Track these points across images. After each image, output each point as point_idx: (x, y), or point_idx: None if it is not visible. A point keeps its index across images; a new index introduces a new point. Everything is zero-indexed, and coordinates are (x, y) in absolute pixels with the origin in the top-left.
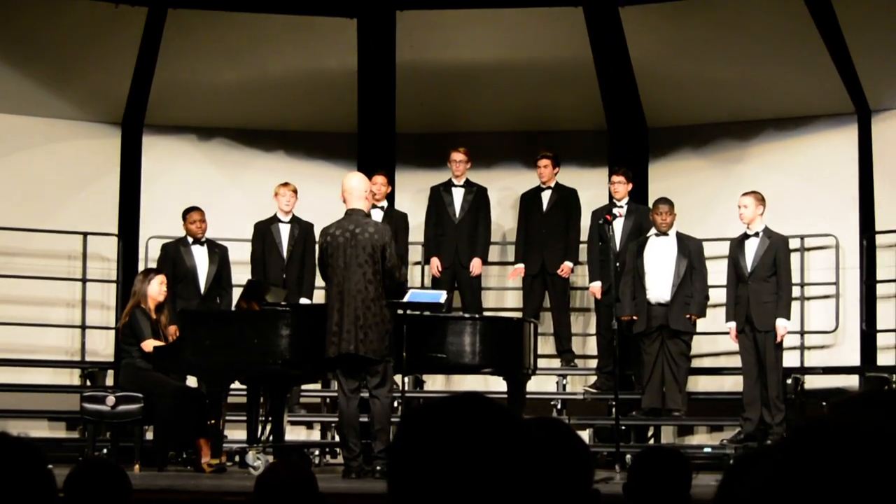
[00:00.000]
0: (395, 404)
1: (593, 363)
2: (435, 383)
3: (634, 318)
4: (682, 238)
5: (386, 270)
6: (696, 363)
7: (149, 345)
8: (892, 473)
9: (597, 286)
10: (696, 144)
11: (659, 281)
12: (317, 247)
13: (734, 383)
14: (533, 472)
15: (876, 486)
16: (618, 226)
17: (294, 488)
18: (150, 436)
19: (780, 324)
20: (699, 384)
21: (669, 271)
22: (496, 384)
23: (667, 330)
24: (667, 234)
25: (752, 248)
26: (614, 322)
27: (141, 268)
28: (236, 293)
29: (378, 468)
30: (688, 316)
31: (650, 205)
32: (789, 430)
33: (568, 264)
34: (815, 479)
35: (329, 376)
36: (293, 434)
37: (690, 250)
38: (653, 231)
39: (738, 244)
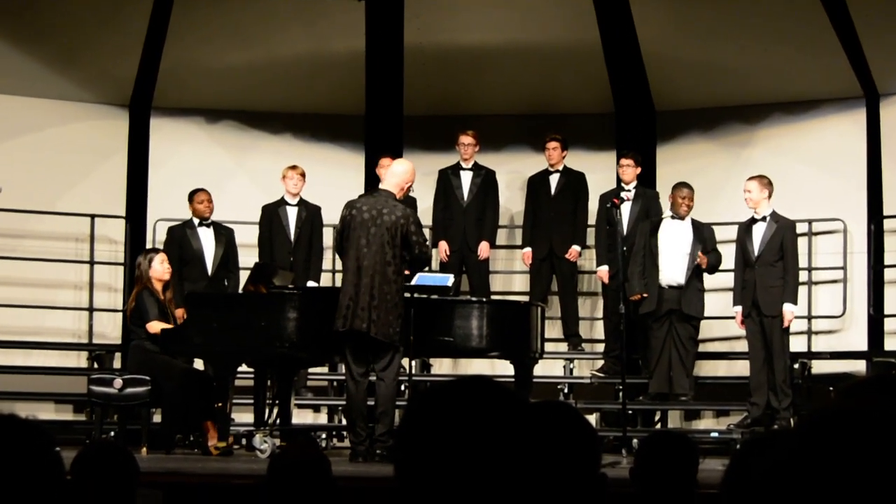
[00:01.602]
0: (402, 388)
1: (600, 347)
2: (442, 367)
3: (644, 295)
4: (697, 224)
5: (411, 250)
6: (702, 347)
7: (154, 326)
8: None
9: (604, 270)
10: (703, 128)
11: (673, 264)
12: (340, 217)
13: (741, 368)
14: (540, 456)
15: (886, 473)
16: (625, 210)
17: (307, 471)
18: (157, 418)
19: (787, 309)
20: (706, 369)
21: (684, 255)
22: (503, 368)
23: (676, 314)
24: (682, 219)
25: (759, 233)
26: (622, 306)
27: None
28: (244, 276)
29: (378, 451)
30: (698, 260)
31: (657, 188)
32: (798, 415)
33: (576, 248)
34: (826, 465)
35: (336, 359)
36: (300, 417)
37: (706, 237)
38: (668, 213)
39: (745, 228)
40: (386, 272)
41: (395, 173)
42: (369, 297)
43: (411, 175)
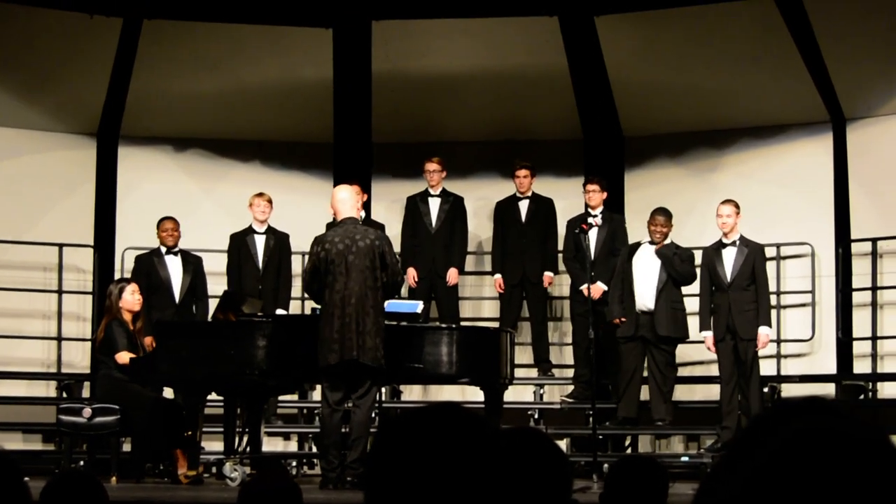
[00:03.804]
0: (373, 415)
1: (570, 373)
2: (412, 393)
3: (623, 319)
4: (660, 251)
5: (386, 271)
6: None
7: (123, 357)
8: (864, 478)
9: (599, 286)
10: (671, 153)
11: (645, 289)
12: (309, 256)
13: (711, 392)
14: (511, 483)
15: (844, 488)
16: (592, 235)
17: (278, 499)
18: (126, 447)
19: (763, 332)
20: (677, 393)
21: (654, 280)
22: (473, 394)
23: (651, 340)
24: (653, 245)
25: (730, 257)
26: (591, 331)
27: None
28: (213, 304)
29: (349, 479)
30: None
31: (626, 214)
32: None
33: (549, 274)
34: (790, 482)
35: (306, 387)
36: (270, 445)
37: (669, 256)
38: (646, 239)
39: (714, 252)
40: (369, 297)
41: (343, 200)
42: (356, 324)
43: (353, 192)
